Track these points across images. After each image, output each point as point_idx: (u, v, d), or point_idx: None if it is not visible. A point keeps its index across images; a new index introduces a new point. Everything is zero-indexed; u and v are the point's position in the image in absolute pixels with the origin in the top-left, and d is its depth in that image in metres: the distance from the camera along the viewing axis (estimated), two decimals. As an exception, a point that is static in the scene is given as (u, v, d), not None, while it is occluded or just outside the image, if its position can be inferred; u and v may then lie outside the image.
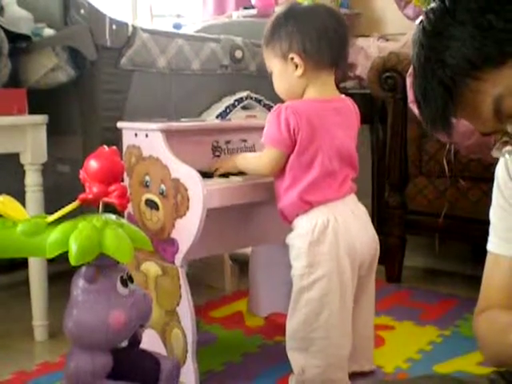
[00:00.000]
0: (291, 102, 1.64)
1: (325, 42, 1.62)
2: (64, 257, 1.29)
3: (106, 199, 1.34)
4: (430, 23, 1.01)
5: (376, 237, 1.71)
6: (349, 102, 1.73)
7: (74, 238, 1.27)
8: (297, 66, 1.63)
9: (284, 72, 1.67)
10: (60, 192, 2.11)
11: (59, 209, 1.37)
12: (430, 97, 1.02)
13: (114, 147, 1.40)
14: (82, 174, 1.36)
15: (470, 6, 0.96)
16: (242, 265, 2.57)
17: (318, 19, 1.64)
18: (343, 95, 1.73)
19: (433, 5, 1.01)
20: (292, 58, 1.63)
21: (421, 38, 1.02)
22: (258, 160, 1.71)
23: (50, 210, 1.50)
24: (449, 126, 1.05)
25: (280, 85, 1.70)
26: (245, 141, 1.97)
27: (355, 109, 1.74)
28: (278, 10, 1.75)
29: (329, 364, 1.61)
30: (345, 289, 1.61)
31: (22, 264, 2.12)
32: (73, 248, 1.26)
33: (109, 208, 1.39)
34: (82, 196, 1.35)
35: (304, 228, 1.62)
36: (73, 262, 1.26)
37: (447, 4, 0.98)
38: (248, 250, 2.30)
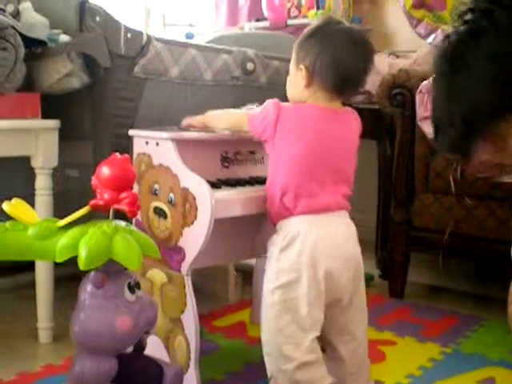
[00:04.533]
0: (290, 104, 1.70)
1: (334, 72, 1.64)
2: (70, 260, 1.31)
3: (116, 206, 1.36)
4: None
5: (357, 259, 1.68)
6: (350, 113, 1.74)
7: (83, 243, 1.28)
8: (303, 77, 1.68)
9: (294, 77, 1.72)
10: (68, 196, 2.13)
11: (66, 213, 1.38)
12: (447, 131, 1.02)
13: (127, 155, 1.42)
14: (93, 180, 1.38)
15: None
16: (246, 275, 2.58)
17: (338, 46, 1.64)
18: (347, 107, 1.74)
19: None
20: (301, 69, 1.67)
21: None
22: (224, 113, 1.85)
23: (56, 214, 1.52)
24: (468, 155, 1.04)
25: (289, 88, 1.75)
26: (253, 153, 1.99)
27: (357, 121, 1.74)
28: (318, 20, 1.78)
29: (294, 368, 1.59)
30: (303, 300, 1.60)
31: (26, 266, 2.13)
32: (82, 253, 1.27)
33: (117, 214, 1.41)
34: (93, 202, 1.36)
35: (279, 234, 1.65)
36: (82, 266, 1.27)
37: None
38: (252, 261, 2.31)
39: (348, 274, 1.66)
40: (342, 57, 1.64)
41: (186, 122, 1.91)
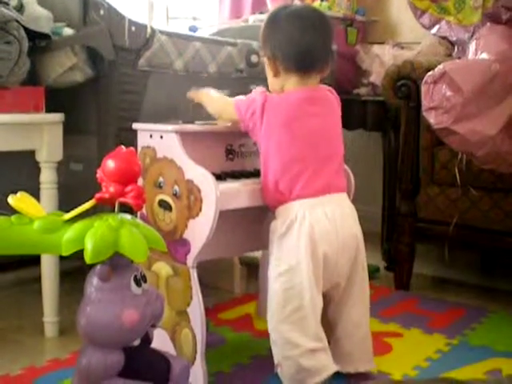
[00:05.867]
0: (275, 95, 1.73)
1: (289, 50, 1.69)
2: (76, 254, 1.31)
3: (122, 199, 1.36)
4: None
5: (356, 239, 1.71)
6: (327, 90, 1.77)
7: (89, 236, 1.28)
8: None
9: (267, 70, 1.78)
10: (72, 190, 2.13)
11: (70, 207, 1.38)
12: None
13: (132, 148, 1.42)
14: (99, 173, 1.38)
15: None
16: (251, 268, 2.58)
17: (288, 27, 1.70)
18: (322, 85, 1.77)
19: None
20: (265, 61, 1.76)
21: None
22: (218, 98, 1.91)
23: (61, 208, 1.51)
24: None
25: (268, 80, 1.80)
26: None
27: (336, 97, 1.79)
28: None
29: (299, 354, 1.62)
30: (306, 285, 1.62)
31: (32, 261, 2.13)
32: (88, 246, 1.27)
33: (123, 208, 1.41)
34: (98, 195, 1.36)
35: (277, 220, 1.68)
36: (88, 260, 1.27)
37: None
38: (257, 253, 2.31)
39: (345, 257, 1.68)
40: (294, 36, 1.69)
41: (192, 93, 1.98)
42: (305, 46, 1.69)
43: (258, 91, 1.73)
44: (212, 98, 1.92)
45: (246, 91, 2.47)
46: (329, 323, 1.74)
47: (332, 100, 1.77)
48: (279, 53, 1.70)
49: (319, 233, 1.62)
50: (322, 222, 1.63)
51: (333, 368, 1.63)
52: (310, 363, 1.62)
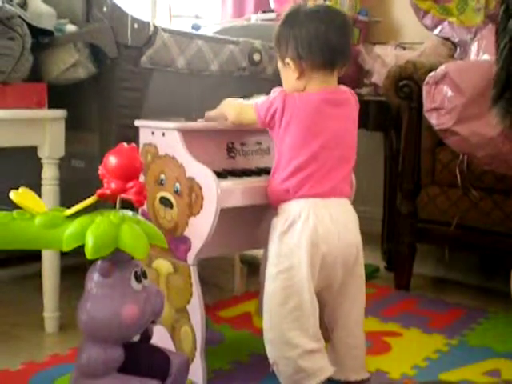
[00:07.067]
0: (295, 94, 1.69)
1: (316, 46, 1.65)
2: (77, 250, 1.31)
3: (123, 195, 1.36)
4: None
5: (356, 246, 1.70)
6: (348, 92, 1.76)
7: (90, 232, 1.29)
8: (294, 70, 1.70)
9: (286, 74, 1.74)
10: (73, 187, 2.13)
11: (72, 203, 1.39)
12: None
13: (134, 144, 1.43)
14: (100, 169, 1.38)
15: None
16: (251, 266, 2.58)
17: (311, 24, 1.66)
18: (343, 86, 1.76)
19: None
20: (288, 63, 1.70)
21: None
22: (236, 102, 1.86)
23: (62, 204, 1.51)
24: None
25: (285, 85, 1.76)
26: (259, 143, 1.99)
27: (354, 98, 1.76)
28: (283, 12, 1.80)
29: (298, 355, 1.61)
30: (306, 284, 1.61)
31: (33, 256, 2.14)
32: (89, 242, 1.28)
33: (124, 204, 1.41)
34: (100, 191, 1.36)
35: (280, 217, 1.67)
36: (89, 255, 1.28)
37: None
38: (257, 252, 2.32)
39: (342, 262, 1.67)
40: (319, 32, 1.66)
41: (206, 116, 1.93)
42: (335, 44, 1.66)
43: (277, 91, 1.71)
44: (230, 103, 1.88)
45: (248, 90, 2.49)
46: (325, 328, 1.74)
47: (352, 102, 1.75)
48: (305, 50, 1.66)
49: (322, 233, 1.62)
50: (325, 222, 1.63)
51: (329, 370, 1.63)
52: (307, 364, 1.61)
